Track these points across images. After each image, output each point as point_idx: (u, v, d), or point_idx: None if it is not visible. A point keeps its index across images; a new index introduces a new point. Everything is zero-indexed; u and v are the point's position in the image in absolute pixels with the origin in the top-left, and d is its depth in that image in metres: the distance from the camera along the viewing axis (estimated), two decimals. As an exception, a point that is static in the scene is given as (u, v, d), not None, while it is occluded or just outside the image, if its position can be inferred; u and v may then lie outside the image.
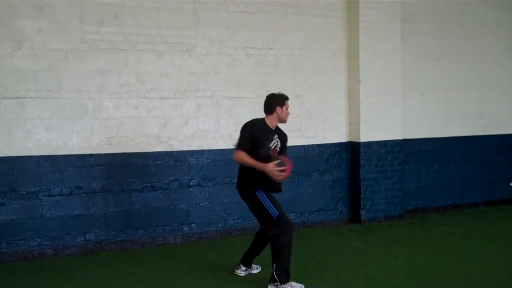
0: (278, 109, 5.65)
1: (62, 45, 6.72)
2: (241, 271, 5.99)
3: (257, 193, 5.54)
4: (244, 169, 5.61)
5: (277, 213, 5.49)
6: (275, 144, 5.65)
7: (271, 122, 5.69)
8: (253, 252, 5.98)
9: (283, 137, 5.80)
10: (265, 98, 5.76)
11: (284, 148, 5.79)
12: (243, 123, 5.72)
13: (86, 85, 6.85)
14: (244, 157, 5.49)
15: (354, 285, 5.65)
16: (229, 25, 7.57)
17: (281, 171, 5.42)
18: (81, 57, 6.81)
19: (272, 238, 5.50)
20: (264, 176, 5.46)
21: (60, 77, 6.72)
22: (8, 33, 6.50)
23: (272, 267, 5.44)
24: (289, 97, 7.93)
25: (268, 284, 5.46)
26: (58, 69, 6.71)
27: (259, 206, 5.54)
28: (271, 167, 5.38)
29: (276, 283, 5.40)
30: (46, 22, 6.64)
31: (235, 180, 5.88)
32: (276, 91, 5.86)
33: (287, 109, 5.71)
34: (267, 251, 5.66)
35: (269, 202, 5.52)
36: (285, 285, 5.39)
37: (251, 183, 5.56)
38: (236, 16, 7.60)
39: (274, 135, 5.68)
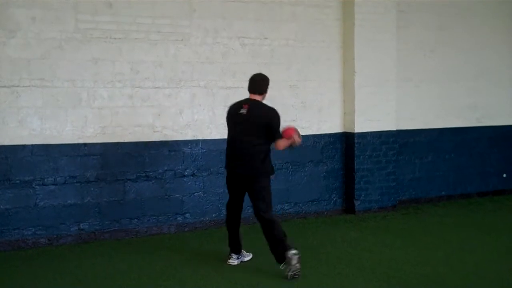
0: (266, 92, 5.84)
1: (56, 34, 6.67)
2: (234, 260, 6.00)
3: (269, 179, 5.74)
4: (264, 154, 5.66)
5: (271, 206, 5.72)
6: None
7: None
8: (237, 238, 6.01)
9: None
10: (256, 77, 5.81)
11: None
12: (271, 110, 5.73)
13: (80, 74, 6.81)
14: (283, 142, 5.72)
15: (348, 275, 5.67)
16: (224, 14, 7.54)
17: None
18: (75, 46, 6.77)
19: (273, 223, 5.60)
20: (270, 159, 5.76)
21: (54, 66, 6.68)
22: (1, 22, 6.44)
23: (280, 249, 5.51)
24: (284, 87, 8.00)
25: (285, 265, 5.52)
26: (52, 58, 6.67)
27: (268, 191, 5.69)
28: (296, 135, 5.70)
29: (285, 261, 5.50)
30: (39, 11, 6.59)
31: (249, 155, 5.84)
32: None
33: None
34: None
35: (270, 192, 5.74)
36: (291, 251, 5.50)
37: (270, 168, 5.74)
38: (231, 5, 7.57)
39: None
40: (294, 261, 5.46)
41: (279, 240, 5.55)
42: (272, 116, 5.67)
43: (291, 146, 5.77)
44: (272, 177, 5.80)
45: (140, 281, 5.51)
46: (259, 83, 5.77)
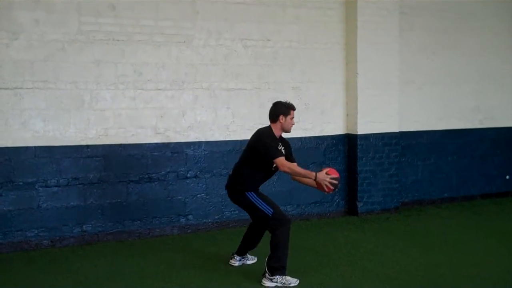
0: (281, 118, 5.56)
1: (59, 36, 6.69)
2: (235, 261, 6.02)
3: (247, 194, 5.52)
4: (236, 171, 5.62)
5: (272, 210, 5.46)
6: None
7: (275, 130, 5.60)
8: (248, 244, 5.97)
9: (287, 145, 5.74)
10: (271, 106, 5.69)
11: (290, 156, 5.72)
12: (259, 133, 5.60)
13: (83, 76, 6.82)
14: (296, 168, 5.45)
15: (351, 277, 5.67)
16: (227, 17, 7.55)
17: (333, 184, 5.35)
18: (78, 48, 6.78)
19: (270, 232, 5.47)
20: (253, 178, 5.55)
21: (57, 68, 6.70)
22: (4, 24, 6.46)
23: (266, 259, 5.43)
24: (287, 89, 7.88)
25: (262, 278, 5.44)
26: (55, 60, 6.68)
27: (253, 207, 5.52)
28: (323, 176, 5.31)
29: (268, 275, 5.38)
30: (43, 13, 6.60)
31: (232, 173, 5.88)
32: (283, 100, 5.74)
33: (291, 119, 5.60)
34: (263, 244, 5.66)
35: (261, 202, 5.49)
36: (277, 277, 5.37)
37: (241, 185, 5.55)
38: (234, 8, 7.58)
39: (279, 144, 5.59)
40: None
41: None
42: (257, 138, 5.60)
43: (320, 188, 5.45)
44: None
45: (143, 283, 5.52)
46: (270, 112, 5.66)
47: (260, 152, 5.46)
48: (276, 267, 5.38)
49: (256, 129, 5.77)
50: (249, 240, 5.95)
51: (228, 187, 5.75)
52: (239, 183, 5.61)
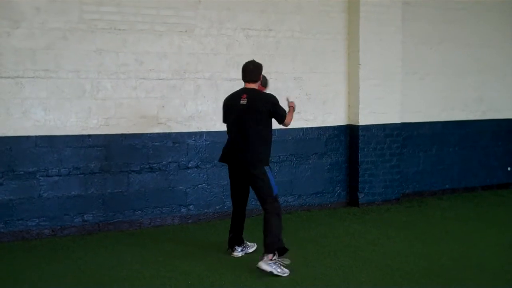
0: (260, 77, 5.82)
1: (61, 24, 6.66)
2: (238, 252, 6.02)
3: (265, 169, 5.58)
4: (258, 144, 5.57)
5: (277, 191, 5.60)
6: None
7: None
8: (240, 229, 6.02)
9: None
10: (250, 65, 5.73)
11: None
12: (271, 96, 5.70)
13: (85, 65, 6.80)
14: (290, 116, 5.92)
15: (352, 268, 5.67)
16: (229, 6, 7.51)
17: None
18: (80, 37, 6.76)
19: (273, 214, 5.51)
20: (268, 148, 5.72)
21: (59, 57, 6.68)
22: (5, 12, 6.43)
23: (269, 242, 5.42)
24: (289, 79, 7.92)
25: (264, 263, 5.40)
26: (56, 48, 6.66)
27: (264, 182, 5.55)
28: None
29: (275, 257, 5.40)
30: (44, 2, 6.57)
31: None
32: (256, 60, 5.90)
33: None
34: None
35: (273, 179, 5.62)
36: (277, 265, 5.39)
37: (264, 158, 5.61)
38: (236, -3, 7.56)
39: None
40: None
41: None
42: (273, 100, 5.69)
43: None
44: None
45: (143, 272, 5.52)
46: (253, 71, 5.71)
47: (276, 112, 5.69)
48: (282, 248, 5.46)
49: (253, 95, 5.68)
50: (239, 225, 5.99)
51: (246, 161, 5.64)
52: (260, 156, 5.60)
